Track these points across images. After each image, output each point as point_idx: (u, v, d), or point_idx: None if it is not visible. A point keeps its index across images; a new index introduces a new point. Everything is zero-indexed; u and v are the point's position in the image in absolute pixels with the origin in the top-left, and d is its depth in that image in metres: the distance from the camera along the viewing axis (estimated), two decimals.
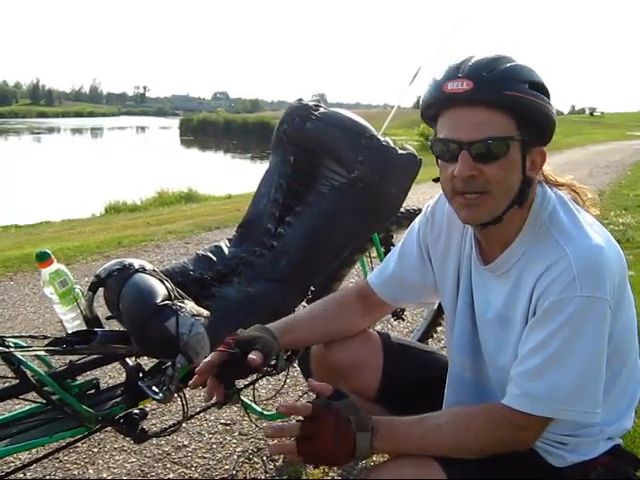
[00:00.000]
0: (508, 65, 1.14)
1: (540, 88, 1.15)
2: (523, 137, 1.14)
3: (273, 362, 1.99)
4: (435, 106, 1.19)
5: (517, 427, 1.14)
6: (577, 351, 1.10)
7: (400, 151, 1.98)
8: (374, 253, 2.46)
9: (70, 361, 1.63)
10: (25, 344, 1.55)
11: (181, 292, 1.69)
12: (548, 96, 1.16)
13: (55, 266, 1.66)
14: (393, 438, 1.15)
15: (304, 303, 2.13)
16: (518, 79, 1.13)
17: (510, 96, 1.10)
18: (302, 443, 1.09)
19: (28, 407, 1.61)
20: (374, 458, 2.13)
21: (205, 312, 1.65)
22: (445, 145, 1.16)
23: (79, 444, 2.02)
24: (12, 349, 1.48)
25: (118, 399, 1.70)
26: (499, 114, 1.11)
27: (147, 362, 1.80)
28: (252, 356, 1.26)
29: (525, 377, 1.13)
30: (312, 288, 2.11)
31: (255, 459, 2.15)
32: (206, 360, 1.27)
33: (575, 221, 1.18)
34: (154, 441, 2.20)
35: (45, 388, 1.53)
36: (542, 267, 1.14)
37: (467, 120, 1.13)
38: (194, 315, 1.59)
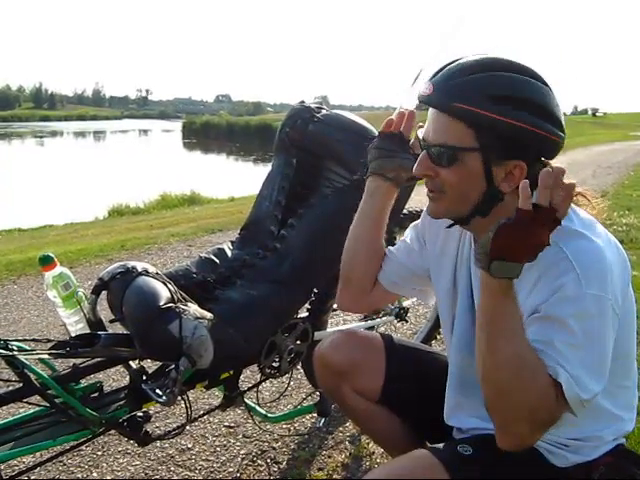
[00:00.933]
0: (474, 75, 1.11)
1: (510, 102, 1.09)
2: (484, 149, 1.11)
3: (276, 364, 2.00)
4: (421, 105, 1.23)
5: (554, 404, 1.07)
6: (594, 345, 1.08)
7: None
8: None
9: (74, 364, 1.63)
10: (29, 347, 1.56)
11: (184, 295, 1.69)
12: (531, 110, 1.10)
13: (58, 269, 1.66)
14: (502, 303, 1.07)
15: (307, 305, 2.14)
16: (478, 92, 1.10)
17: (459, 109, 1.10)
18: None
19: (32, 410, 1.62)
20: (378, 460, 2.13)
21: (208, 315, 1.65)
22: (419, 142, 1.22)
23: (83, 447, 2.02)
24: (16, 352, 1.48)
25: (122, 402, 1.71)
26: (454, 123, 1.12)
27: (150, 365, 1.80)
28: None
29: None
30: (315, 290, 2.11)
31: (259, 462, 2.15)
32: None
33: (571, 222, 1.17)
34: (158, 444, 2.20)
35: (49, 391, 1.53)
36: (541, 269, 1.13)
37: (432, 123, 1.17)
38: (197, 318, 1.59)
